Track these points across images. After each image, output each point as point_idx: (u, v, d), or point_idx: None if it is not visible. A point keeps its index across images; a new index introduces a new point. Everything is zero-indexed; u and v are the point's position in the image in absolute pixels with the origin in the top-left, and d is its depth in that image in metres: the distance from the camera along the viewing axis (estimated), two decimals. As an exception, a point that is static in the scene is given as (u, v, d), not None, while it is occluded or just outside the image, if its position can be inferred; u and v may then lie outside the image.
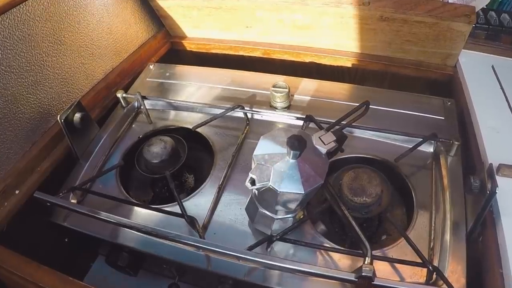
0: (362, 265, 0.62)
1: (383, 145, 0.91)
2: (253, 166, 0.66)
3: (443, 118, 0.94)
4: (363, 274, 0.61)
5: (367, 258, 0.64)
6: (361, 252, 0.67)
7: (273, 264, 0.66)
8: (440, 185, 0.81)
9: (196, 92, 1.10)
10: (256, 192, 0.74)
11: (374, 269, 0.61)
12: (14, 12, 0.82)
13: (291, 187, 0.63)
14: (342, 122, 0.78)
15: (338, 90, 1.05)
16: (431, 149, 0.89)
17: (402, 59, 1.09)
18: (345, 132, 0.79)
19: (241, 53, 1.24)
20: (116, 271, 0.84)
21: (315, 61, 1.17)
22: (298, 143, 0.61)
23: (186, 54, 1.33)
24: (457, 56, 1.04)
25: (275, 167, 0.63)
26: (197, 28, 1.25)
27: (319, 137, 0.69)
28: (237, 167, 0.90)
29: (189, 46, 1.32)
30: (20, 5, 0.83)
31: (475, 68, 1.02)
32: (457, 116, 0.95)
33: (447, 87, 1.06)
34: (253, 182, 0.63)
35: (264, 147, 0.67)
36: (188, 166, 0.99)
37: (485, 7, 1.12)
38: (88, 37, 1.03)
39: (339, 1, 0.99)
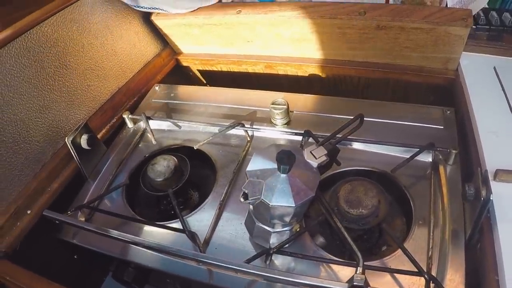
0: (354, 275, 0.63)
1: (381, 157, 0.91)
2: (246, 181, 0.68)
3: (442, 127, 0.94)
4: (354, 283, 0.61)
5: (358, 268, 0.65)
6: (355, 262, 0.67)
7: (267, 276, 0.67)
8: (439, 194, 0.81)
9: (199, 111, 1.13)
10: (252, 206, 0.76)
11: (366, 279, 0.61)
12: (19, 40, 0.87)
13: (282, 201, 0.65)
14: (338, 135, 0.79)
15: (337, 104, 1.06)
16: (430, 159, 0.89)
17: (403, 66, 1.09)
18: (344, 146, 0.82)
19: (244, 67, 1.26)
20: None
21: (317, 72, 1.18)
22: (287, 158, 0.64)
23: (191, 70, 1.36)
24: (458, 60, 1.03)
25: (267, 182, 0.66)
26: (200, 44, 1.28)
27: (310, 152, 0.71)
28: (238, 183, 0.92)
29: (193, 62, 1.35)
30: (25, 33, 0.87)
31: (477, 70, 1.00)
32: (458, 122, 0.95)
33: (449, 91, 1.05)
34: (245, 197, 0.66)
35: (256, 163, 0.70)
36: (192, 183, 1.01)
37: (487, 6, 1.11)
38: (93, 60, 1.07)
39: (335, 13, 1.00)
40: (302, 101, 1.08)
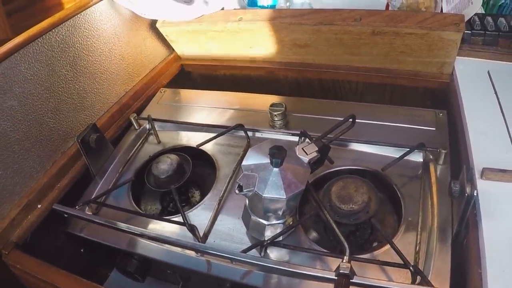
0: (340, 263, 0.65)
1: (373, 157, 0.95)
2: (241, 174, 0.72)
3: (434, 129, 0.97)
4: (340, 271, 0.64)
5: (345, 256, 0.67)
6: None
7: (259, 264, 0.71)
8: (428, 193, 0.84)
9: (202, 114, 1.18)
10: (247, 200, 0.80)
11: (352, 267, 0.64)
12: (33, 45, 0.92)
13: (274, 193, 0.70)
14: (329, 136, 0.83)
15: (333, 107, 1.10)
16: (421, 159, 0.92)
17: (399, 71, 1.12)
18: (337, 146, 0.87)
19: (247, 72, 1.31)
20: (131, 281, 0.91)
21: (317, 77, 1.22)
22: (278, 152, 0.68)
23: (195, 75, 1.41)
24: (452, 64, 1.05)
25: (260, 175, 0.71)
26: (204, 50, 1.32)
27: (302, 148, 0.75)
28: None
29: (198, 67, 1.40)
30: (39, 38, 0.93)
31: (471, 74, 1.03)
32: (451, 124, 0.97)
33: (445, 95, 1.08)
34: (240, 189, 0.71)
35: (251, 158, 0.74)
36: (194, 182, 1.06)
37: (483, 12, 1.14)
38: (102, 64, 1.12)
39: (331, 19, 1.04)
40: (300, 104, 1.13)
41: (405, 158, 0.88)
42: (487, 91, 0.97)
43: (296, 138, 0.99)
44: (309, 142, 0.77)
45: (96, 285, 0.79)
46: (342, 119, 1.00)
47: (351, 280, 0.63)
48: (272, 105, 1.03)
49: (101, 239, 0.90)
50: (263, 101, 1.14)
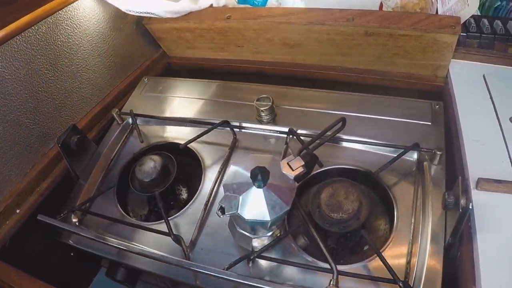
0: (328, 287, 0.65)
1: (366, 155, 0.92)
2: (223, 195, 0.69)
3: (429, 123, 0.94)
4: None
5: (332, 280, 0.67)
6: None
7: (246, 284, 0.68)
8: (422, 195, 0.82)
9: (187, 105, 1.14)
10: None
11: None
12: (11, 43, 0.87)
13: (257, 215, 0.67)
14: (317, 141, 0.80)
15: (324, 98, 1.07)
16: (415, 157, 0.89)
17: (393, 73, 1.10)
18: (327, 143, 0.81)
19: (235, 71, 1.27)
20: (116, 284, 0.90)
21: (307, 76, 1.19)
22: (261, 175, 0.65)
23: (182, 73, 1.37)
24: (447, 67, 1.03)
25: (243, 197, 0.67)
26: (191, 48, 1.29)
27: (287, 163, 0.72)
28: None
29: (185, 65, 1.36)
30: (17, 36, 0.88)
31: (466, 78, 1.00)
32: (445, 123, 0.94)
33: (439, 98, 1.05)
34: (222, 211, 0.67)
35: (233, 176, 0.71)
36: (180, 179, 1.03)
37: (479, 14, 1.11)
38: (85, 63, 1.08)
39: (323, 19, 1.01)
40: (289, 95, 1.09)
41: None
42: (482, 96, 0.94)
43: (284, 135, 0.97)
44: (295, 156, 0.73)
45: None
46: (332, 112, 0.99)
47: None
48: (259, 99, 0.99)
49: (89, 247, 0.88)
50: (250, 91, 1.11)
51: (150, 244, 0.85)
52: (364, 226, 0.84)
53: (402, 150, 0.86)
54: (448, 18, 0.95)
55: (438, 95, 1.05)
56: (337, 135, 0.83)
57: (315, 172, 0.88)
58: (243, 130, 1.03)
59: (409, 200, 0.82)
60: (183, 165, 0.98)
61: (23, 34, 0.90)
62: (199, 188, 0.93)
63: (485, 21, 1.09)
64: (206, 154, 1.00)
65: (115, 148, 1.06)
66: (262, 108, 0.97)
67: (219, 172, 0.93)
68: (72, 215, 0.91)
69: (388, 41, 1.00)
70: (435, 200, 0.79)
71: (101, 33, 1.11)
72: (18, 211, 0.91)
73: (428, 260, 0.72)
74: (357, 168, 0.89)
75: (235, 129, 1.02)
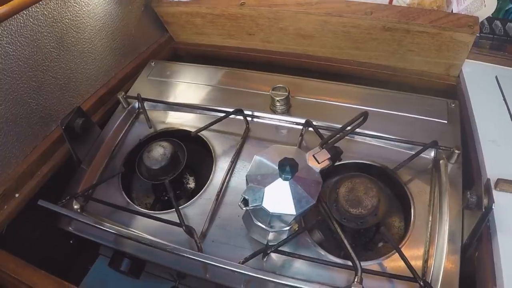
0: (351, 284, 0.63)
1: (383, 151, 0.91)
2: (246, 186, 0.66)
3: (446, 122, 0.93)
4: None
5: (356, 277, 0.65)
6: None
7: (263, 278, 0.66)
8: (438, 194, 0.81)
9: (197, 92, 1.10)
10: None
11: None
12: (17, 18, 0.83)
13: (282, 209, 0.64)
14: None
15: (340, 91, 1.05)
16: (432, 155, 0.88)
17: (405, 69, 1.09)
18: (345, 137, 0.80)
19: (243, 60, 1.24)
20: (115, 272, 0.85)
21: (318, 69, 1.17)
22: (290, 167, 0.62)
23: (188, 60, 1.32)
24: (460, 66, 1.03)
25: (268, 189, 0.64)
26: (200, 34, 1.25)
27: (313, 155, 0.69)
28: (236, 172, 0.91)
29: (192, 52, 1.33)
30: (24, 11, 0.84)
31: (479, 78, 1.00)
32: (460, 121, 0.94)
33: (450, 97, 1.04)
34: (246, 203, 0.65)
35: (257, 167, 0.68)
36: (188, 167, 1.00)
37: (490, 16, 1.11)
38: (91, 43, 1.03)
39: (341, 11, 0.99)
40: (304, 86, 1.06)
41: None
42: (496, 97, 0.95)
43: (299, 126, 0.95)
44: (320, 148, 0.71)
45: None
46: (348, 105, 0.97)
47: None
48: (274, 88, 0.97)
49: (91, 235, 0.85)
50: (265, 80, 1.08)
51: (156, 234, 0.81)
52: (380, 223, 0.83)
53: (421, 147, 0.85)
54: (467, 17, 0.94)
55: (450, 94, 1.05)
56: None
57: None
58: (255, 120, 1.00)
59: (425, 198, 0.81)
60: (192, 153, 0.94)
61: (29, 9, 0.85)
62: (210, 178, 0.90)
63: (498, 23, 1.09)
64: (217, 143, 0.97)
65: (120, 133, 1.02)
66: (277, 98, 0.95)
67: (231, 162, 0.91)
68: (74, 202, 0.88)
69: (404, 37, 0.99)
70: (452, 199, 0.79)
71: (109, 13, 1.07)
72: (17, 195, 0.87)
73: (446, 259, 0.71)
74: (374, 164, 0.88)
75: (247, 118, 0.99)
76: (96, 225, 0.78)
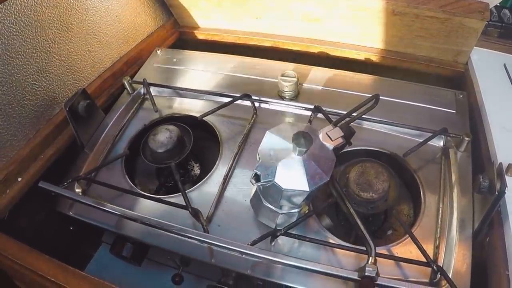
0: (365, 265, 0.62)
1: (392, 138, 0.90)
2: (258, 161, 0.65)
3: (454, 111, 0.93)
4: (366, 274, 0.61)
5: (370, 258, 0.64)
6: (365, 249, 0.66)
7: (276, 260, 0.66)
8: (448, 181, 0.81)
9: (203, 79, 1.09)
10: (261, 187, 0.73)
11: (377, 269, 0.61)
12: (20, -3, 0.81)
13: (296, 185, 0.62)
14: (353, 114, 0.76)
15: (348, 79, 1.04)
16: (441, 143, 0.88)
17: (413, 55, 1.08)
18: (354, 124, 0.78)
19: (249, 43, 1.23)
20: (118, 260, 0.84)
21: (325, 53, 1.16)
22: (304, 140, 0.61)
23: (194, 44, 1.31)
24: (468, 53, 1.02)
25: (281, 164, 0.62)
26: (206, 18, 1.24)
27: (326, 133, 0.67)
28: (243, 157, 0.90)
29: (197, 36, 1.31)
30: (27, -10, 0.82)
31: (487, 66, 1.00)
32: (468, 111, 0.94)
33: (458, 84, 1.04)
34: (257, 178, 0.63)
35: (269, 142, 0.66)
36: (193, 153, 0.99)
37: (498, 4, 1.10)
38: (96, 25, 1.02)
39: (350, -7, 0.98)
40: (312, 74, 1.05)
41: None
42: (505, 85, 0.95)
43: (307, 113, 0.94)
44: (333, 126, 0.69)
45: (79, 272, 0.70)
46: (357, 93, 0.96)
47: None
48: (283, 74, 0.96)
49: (92, 219, 0.83)
50: (272, 68, 1.07)
51: (161, 219, 0.77)
52: (388, 210, 0.83)
53: (430, 134, 0.84)
54: (477, 3, 0.93)
55: (458, 81, 1.05)
56: (365, 116, 0.79)
57: (340, 152, 0.85)
58: (263, 106, 0.99)
59: (435, 186, 0.81)
60: (197, 139, 0.93)
61: (32, -11, 0.83)
62: (216, 163, 0.89)
63: (506, 11, 1.09)
64: (224, 128, 0.96)
65: (125, 119, 1.01)
66: (286, 84, 0.94)
67: (239, 147, 0.90)
68: (76, 185, 0.86)
69: (413, 22, 0.98)
70: (462, 186, 0.78)
71: (115, -5, 1.05)
72: (19, 179, 0.85)
73: (457, 245, 0.70)
74: (384, 150, 0.87)
75: (255, 104, 0.98)
76: (99, 206, 0.76)
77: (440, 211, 0.76)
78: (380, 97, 0.79)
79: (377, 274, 0.60)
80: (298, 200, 0.68)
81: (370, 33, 1.06)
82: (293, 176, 0.62)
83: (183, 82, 1.09)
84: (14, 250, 0.74)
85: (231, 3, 1.13)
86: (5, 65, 0.81)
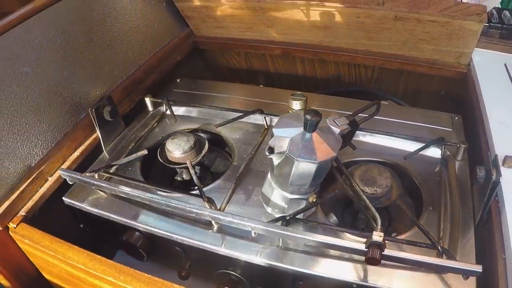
0: (373, 233, 0.63)
1: (392, 150, 0.95)
2: (272, 138, 0.71)
3: (451, 129, 0.99)
4: (373, 240, 0.63)
5: (377, 227, 0.67)
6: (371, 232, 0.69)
7: (285, 234, 0.70)
8: (448, 187, 0.85)
9: (219, 102, 1.15)
10: (270, 173, 0.79)
11: (384, 237, 0.63)
12: (50, 10, 0.88)
13: (306, 156, 0.68)
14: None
15: (352, 104, 1.08)
16: (439, 155, 0.93)
17: (417, 58, 1.12)
18: (357, 137, 0.85)
19: (262, 51, 1.29)
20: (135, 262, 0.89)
21: (333, 59, 1.21)
22: (314, 114, 0.66)
23: (209, 53, 1.38)
24: (470, 55, 1.06)
25: (292, 138, 0.69)
26: (220, 27, 1.30)
27: (333, 120, 0.74)
28: (255, 164, 0.95)
29: (212, 45, 1.38)
30: (56, 4, 0.90)
31: (488, 66, 1.04)
32: (469, 114, 0.99)
33: (461, 85, 1.08)
34: (271, 151, 0.69)
35: (283, 123, 0.73)
36: (206, 166, 1.04)
37: (499, 6, 1.15)
38: (117, 35, 1.09)
39: (355, 2, 1.03)
40: (319, 100, 1.12)
41: (422, 153, 0.91)
42: (505, 83, 0.99)
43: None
44: (339, 115, 0.76)
45: (108, 260, 0.76)
46: (361, 115, 0.99)
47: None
48: (293, 94, 1.02)
49: (106, 211, 0.86)
50: (283, 94, 1.12)
51: None
52: (389, 209, 0.87)
53: (429, 141, 0.91)
54: (475, 6, 0.98)
55: (460, 82, 1.09)
56: (365, 127, 0.86)
57: (343, 161, 0.88)
58: (275, 120, 1.03)
59: (436, 191, 0.85)
60: (212, 153, 1.01)
61: (62, 2, 0.91)
62: (229, 167, 0.95)
63: (507, 13, 1.12)
64: (237, 140, 1.02)
65: (143, 131, 1.08)
66: (295, 102, 0.99)
67: (251, 154, 0.96)
68: (96, 176, 0.90)
69: (415, 26, 1.02)
70: (462, 188, 0.83)
71: (133, 6, 1.12)
72: (49, 178, 0.92)
73: (460, 235, 0.75)
74: (384, 160, 0.93)
75: (267, 119, 1.04)
76: (114, 188, 0.80)
77: (442, 209, 0.81)
78: (380, 117, 0.85)
79: (384, 242, 0.63)
80: (307, 180, 0.73)
81: (375, 38, 1.11)
82: (303, 149, 0.68)
83: (201, 104, 1.15)
84: (47, 242, 0.80)
85: (244, 13, 1.19)
86: (36, 73, 0.88)
